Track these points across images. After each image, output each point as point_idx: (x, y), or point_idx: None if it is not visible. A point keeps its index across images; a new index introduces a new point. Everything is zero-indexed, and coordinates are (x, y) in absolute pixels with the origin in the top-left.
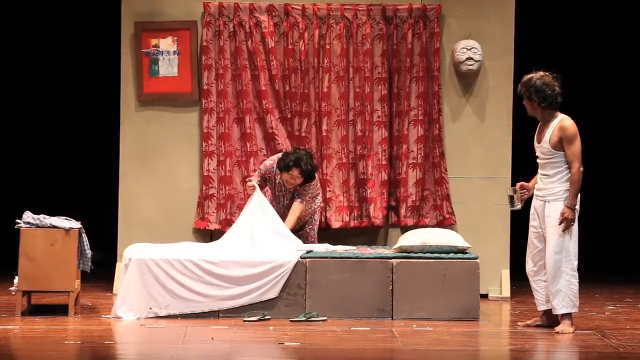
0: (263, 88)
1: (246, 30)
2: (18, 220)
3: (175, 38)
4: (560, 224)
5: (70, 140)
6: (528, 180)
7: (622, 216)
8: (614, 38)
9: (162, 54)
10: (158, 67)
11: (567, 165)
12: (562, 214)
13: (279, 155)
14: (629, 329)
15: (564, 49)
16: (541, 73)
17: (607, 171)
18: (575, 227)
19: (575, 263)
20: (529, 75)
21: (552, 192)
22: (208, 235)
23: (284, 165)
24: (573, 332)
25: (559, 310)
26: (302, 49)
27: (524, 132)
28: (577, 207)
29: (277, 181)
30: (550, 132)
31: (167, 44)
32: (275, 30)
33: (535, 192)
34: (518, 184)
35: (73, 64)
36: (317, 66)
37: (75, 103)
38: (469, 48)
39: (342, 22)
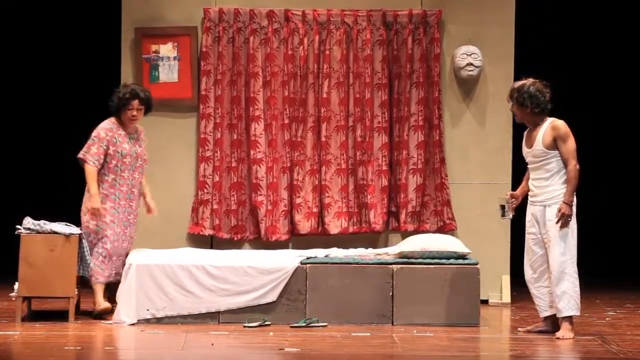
0: (252, 95)
1: (246, 36)
2: (18, 226)
3: (176, 44)
4: (558, 221)
5: (71, 146)
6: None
7: (622, 220)
8: (614, 42)
9: (162, 60)
10: (158, 73)
11: (562, 166)
12: (559, 209)
13: (107, 122)
14: (629, 334)
15: (564, 54)
16: (532, 80)
17: (606, 177)
18: (574, 230)
19: (575, 265)
20: (521, 82)
21: (552, 195)
22: (207, 241)
23: (120, 103)
24: (573, 338)
25: (565, 312)
26: (302, 54)
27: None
28: (574, 208)
29: (121, 141)
30: (542, 133)
31: (167, 49)
32: (275, 36)
33: (531, 199)
34: (508, 194)
35: (73, 70)
36: (316, 72)
37: (75, 108)
38: (469, 54)
39: (342, 28)
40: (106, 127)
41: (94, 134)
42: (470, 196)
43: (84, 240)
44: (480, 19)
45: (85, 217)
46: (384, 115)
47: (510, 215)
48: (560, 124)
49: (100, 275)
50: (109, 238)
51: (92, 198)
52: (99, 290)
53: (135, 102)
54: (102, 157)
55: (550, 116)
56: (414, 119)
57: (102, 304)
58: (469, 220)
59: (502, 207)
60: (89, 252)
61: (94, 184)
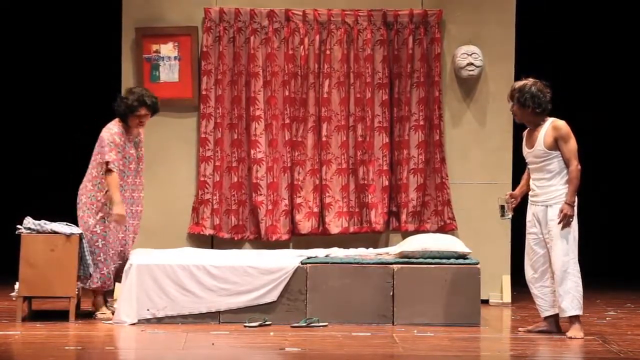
0: (252, 95)
1: (246, 36)
2: (19, 226)
3: (176, 44)
4: (560, 222)
5: (71, 146)
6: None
7: (622, 220)
8: (615, 42)
9: (163, 60)
10: (159, 73)
11: (564, 166)
12: (561, 210)
13: (111, 127)
14: (630, 334)
15: (564, 54)
16: (533, 80)
17: (606, 176)
18: (576, 230)
19: (578, 265)
20: (522, 82)
21: (554, 195)
22: (208, 241)
23: (128, 110)
24: (584, 337)
25: (569, 312)
26: (303, 54)
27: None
28: (575, 208)
29: (129, 146)
30: (543, 133)
31: (168, 49)
32: (276, 36)
33: (532, 199)
34: (507, 194)
35: (74, 70)
36: (317, 72)
37: (76, 108)
38: (469, 53)
39: (343, 28)
40: (118, 132)
41: (109, 139)
42: (470, 196)
43: (84, 241)
44: (480, 19)
45: (90, 221)
46: (384, 115)
47: (510, 215)
48: (562, 124)
49: (102, 275)
50: (111, 245)
51: (117, 205)
52: (101, 298)
53: (143, 109)
54: (120, 162)
55: (550, 116)
56: (415, 119)
57: (106, 312)
58: (470, 220)
59: (502, 207)
60: (89, 253)
61: (118, 191)
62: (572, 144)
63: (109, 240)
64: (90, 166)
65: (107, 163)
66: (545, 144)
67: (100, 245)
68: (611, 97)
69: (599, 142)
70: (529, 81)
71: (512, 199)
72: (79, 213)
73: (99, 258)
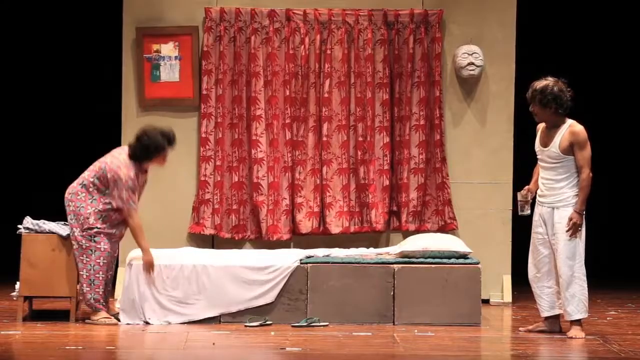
0: (253, 94)
1: (247, 36)
2: (19, 226)
3: (177, 43)
4: (568, 230)
5: (72, 145)
6: (528, 183)
7: (623, 220)
8: (616, 43)
9: (163, 60)
10: (159, 73)
11: (575, 170)
12: (571, 219)
13: (119, 156)
14: (631, 334)
15: (565, 54)
16: (553, 79)
17: (606, 176)
18: (583, 234)
19: (584, 268)
20: (544, 82)
21: (561, 198)
22: (209, 241)
23: (156, 151)
24: (585, 337)
25: (575, 316)
26: (303, 54)
27: (525, 136)
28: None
29: (137, 177)
30: (560, 136)
31: (168, 49)
32: (277, 36)
33: (540, 199)
34: (525, 188)
35: (75, 69)
36: (318, 71)
37: (76, 108)
38: (470, 53)
39: (344, 27)
40: (130, 167)
41: (124, 178)
42: (471, 196)
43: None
44: (481, 19)
45: (76, 231)
46: (385, 115)
47: (528, 211)
48: (580, 129)
49: (87, 300)
50: (101, 267)
51: (146, 253)
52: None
53: (169, 148)
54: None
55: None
56: (415, 119)
57: (111, 319)
58: (470, 220)
59: (522, 202)
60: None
61: (144, 237)
62: (587, 152)
63: (99, 264)
64: (88, 176)
65: (129, 207)
66: (561, 148)
67: (85, 261)
68: (612, 97)
69: (600, 142)
70: (550, 81)
71: (530, 193)
72: (69, 217)
73: (87, 274)
